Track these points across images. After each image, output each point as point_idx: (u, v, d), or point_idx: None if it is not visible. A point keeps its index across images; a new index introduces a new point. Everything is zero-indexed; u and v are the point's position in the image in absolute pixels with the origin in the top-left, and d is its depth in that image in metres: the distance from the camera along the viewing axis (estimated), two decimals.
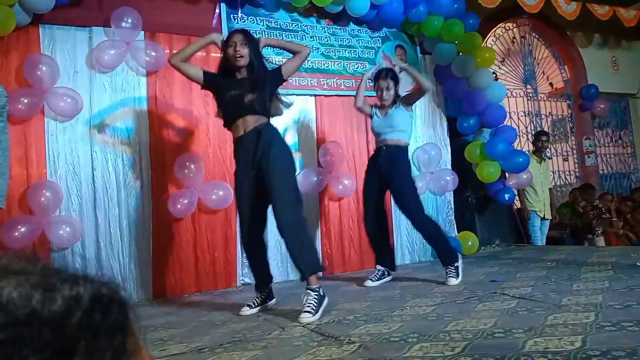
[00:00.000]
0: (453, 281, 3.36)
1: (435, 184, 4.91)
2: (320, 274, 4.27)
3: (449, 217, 5.09)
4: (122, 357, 0.44)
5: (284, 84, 3.18)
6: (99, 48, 3.68)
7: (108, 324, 0.43)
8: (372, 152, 4.05)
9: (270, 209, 2.85)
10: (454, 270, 3.43)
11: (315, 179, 4.37)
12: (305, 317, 2.56)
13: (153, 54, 3.83)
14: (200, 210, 3.92)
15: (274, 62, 4.34)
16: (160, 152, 3.86)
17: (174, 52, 3.32)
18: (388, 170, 3.55)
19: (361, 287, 3.58)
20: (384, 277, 3.71)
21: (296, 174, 3.01)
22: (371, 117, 3.74)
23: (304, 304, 2.64)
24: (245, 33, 2.99)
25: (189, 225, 3.92)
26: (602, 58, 7.38)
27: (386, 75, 3.64)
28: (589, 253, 4.27)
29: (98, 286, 0.44)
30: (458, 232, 5.04)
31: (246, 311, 2.92)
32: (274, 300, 3.11)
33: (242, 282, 4.07)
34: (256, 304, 2.98)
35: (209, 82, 3.02)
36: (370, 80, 3.86)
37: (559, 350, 1.71)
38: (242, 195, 2.93)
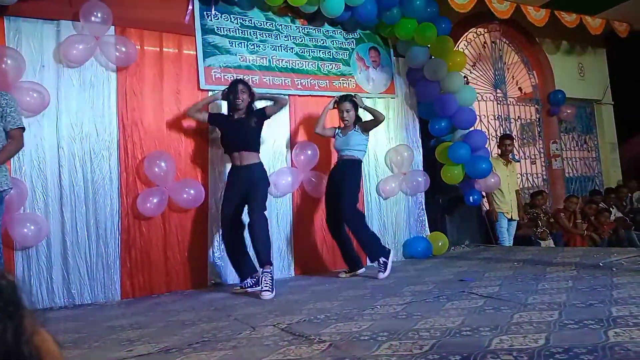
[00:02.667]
0: (381, 275, 3.83)
1: (407, 184, 4.97)
2: (293, 273, 4.32)
3: (421, 218, 5.15)
4: (21, 337, 0.47)
5: (256, 81, 3.93)
6: (67, 42, 3.59)
7: (2, 307, 0.46)
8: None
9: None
10: (382, 265, 3.88)
11: (288, 178, 4.37)
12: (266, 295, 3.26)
13: (123, 49, 3.76)
14: (170, 209, 3.87)
15: (247, 61, 4.34)
16: (129, 149, 3.79)
17: (190, 106, 3.93)
18: (340, 179, 4.05)
19: (332, 287, 3.59)
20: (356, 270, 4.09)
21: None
22: (334, 136, 4.25)
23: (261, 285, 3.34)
24: (244, 82, 3.78)
25: (159, 224, 3.86)
26: (569, 64, 7.59)
27: (346, 98, 4.15)
28: (554, 254, 4.39)
29: None
30: (429, 233, 5.11)
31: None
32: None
33: (213, 282, 4.03)
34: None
35: (212, 120, 3.90)
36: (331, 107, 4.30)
37: (524, 348, 1.75)
38: (229, 202, 3.67)
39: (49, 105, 3.53)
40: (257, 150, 3.73)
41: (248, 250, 3.70)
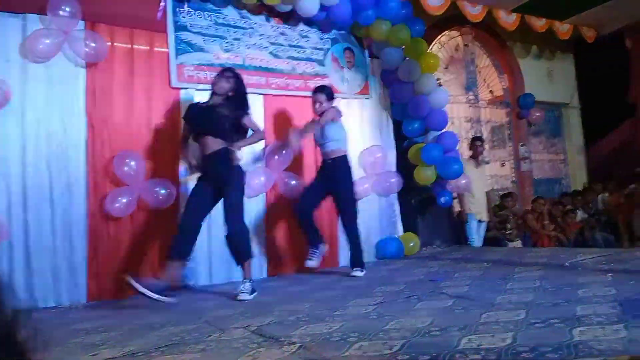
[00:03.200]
0: (359, 272, 3.94)
1: (380, 185, 5.00)
2: (265, 274, 4.30)
3: (393, 219, 5.18)
4: (9, 332, 0.49)
5: None
6: (34, 36, 3.49)
7: None
8: (319, 153, 4.31)
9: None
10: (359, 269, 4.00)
11: (262, 178, 4.34)
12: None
13: (93, 45, 3.67)
14: (140, 209, 3.79)
15: (221, 59, 4.29)
16: (98, 148, 3.70)
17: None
18: (335, 179, 4.03)
19: (304, 288, 3.58)
20: (320, 251, 4.03)
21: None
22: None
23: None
24: (234, 73, 3.58)
25: (128, 225, 3.78)
26: (538, 68, 7.77)
27: (318, 90, 4.08)
28: (522, 254, 4.47)
29: None
30: (401, 233, 5.15)
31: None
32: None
33: (184, 283, 3.96)
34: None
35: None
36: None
37: (491, 347, 1.77)
38: (198, 190, 3.43)
39: (14, 102, 3.41)
40: (229, 140, 3.42)
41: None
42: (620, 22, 7.17)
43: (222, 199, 3.35)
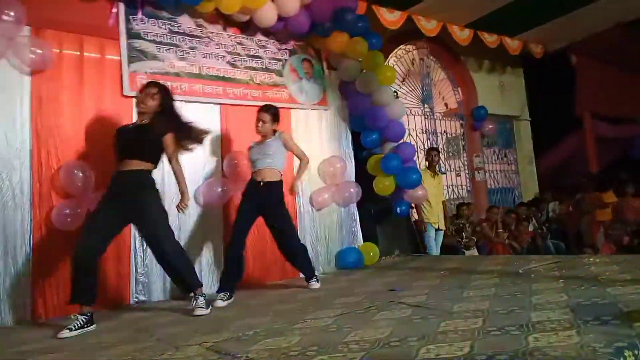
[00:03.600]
0: (316, 285, 3.90)
1: (340, 195, 4.99)
2: (214, 289, 4.17)
3: (353, 229, 5.19)
4: None
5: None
6: None
7: None
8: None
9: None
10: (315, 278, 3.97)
11: (219, 189, 4.25)
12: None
13: (39, 51, 3.51)
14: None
15: (175, 68, 4.19)
16: (44, 158, 3.53)
17: None
18: (269, 206, 3.83)
19: (263, 301, 3.52)
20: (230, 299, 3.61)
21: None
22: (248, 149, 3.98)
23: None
24: (160, 87, 3.31)
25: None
26: (490, 82, 8.04)
27: (264, 109, 3.89)
28: (478, 262, 4.56)
29: None
30: (361, 243, 5.16)
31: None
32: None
33: (136, 299, 3.82)
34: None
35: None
36: None
37: (450, 357, 1.77)
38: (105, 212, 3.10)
39: None
40: (150, 161, 3.19)
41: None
42: (566, 40, 7.53)
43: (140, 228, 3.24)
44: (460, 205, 6.46)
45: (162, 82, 3.92)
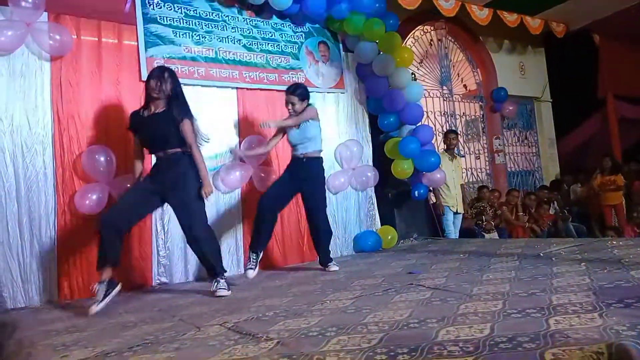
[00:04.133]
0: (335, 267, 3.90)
1: (357, 179, 4.98)
2: (242, 269, 4.23)
3: (371, 212, 5.18)
4: None
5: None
6: None
7: None
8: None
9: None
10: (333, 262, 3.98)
11: (237, 173, 4.27)
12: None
13: (58, 37, 3.53)
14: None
15: (192, 52, 4.20)
16: (65, 143, 3.58)
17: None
18: (307, 181, 3.89)
19: (282, 283, 3.55)
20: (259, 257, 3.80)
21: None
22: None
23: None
24: (168, 70, 3.30)
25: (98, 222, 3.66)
26: (511, 63, 7.88)
27: (289, 91, 3.90)
28: (497, 245, 4.52)
29: None
30: (379, 227, 5.15)
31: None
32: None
33: (158, 281, 3.88)
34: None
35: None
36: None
37: (470, 338, 1.77)
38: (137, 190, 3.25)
39: None
40: (180, 146, 3.22)
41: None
42: (589, 18, 7.32)
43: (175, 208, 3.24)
44: (481, 188, 6.39)
45: (178, 66, 3.99)
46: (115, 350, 2.08)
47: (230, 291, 3.23)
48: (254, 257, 3.74)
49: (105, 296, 2.91)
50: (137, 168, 3.40)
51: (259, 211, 3.83)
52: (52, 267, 3.48)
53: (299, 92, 3.88)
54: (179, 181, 3.17)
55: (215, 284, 3.24)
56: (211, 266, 3.29)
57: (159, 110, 3.23)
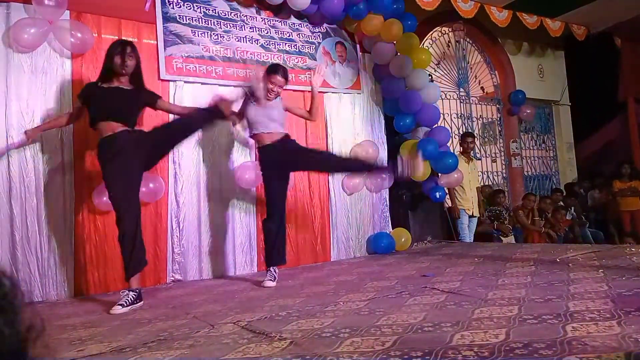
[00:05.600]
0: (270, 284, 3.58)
1: (371, 181, 4.97)
2: (256, 269, 4.25)
3: (385, 214, 5.16)
4: (26, 333, 0.47)
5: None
6: (18, 26, 3.40)
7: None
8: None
9: None
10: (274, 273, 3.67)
11: (252, 173, 4.28)
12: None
13: (79, 35, 3.58)
14: None
15: (210, 51, 4.22)
16: (84, 139, 3.62)
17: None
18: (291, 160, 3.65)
19: (295, 283, 3.55)
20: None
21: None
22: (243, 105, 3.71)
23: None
24: (133, 46, 3.22)
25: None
26: (529, 65, 7.79)
27: (280, 70, 3.65)
28: (513, 249, 4.47)
29: None
30: (392, 229, 5.13)
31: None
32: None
33: (172, 278, 3.91)
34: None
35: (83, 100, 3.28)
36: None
37: (484, 344, 1.75)
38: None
39: None
40: (133, 124, 3.18)
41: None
42: (610, 21, 7.20)
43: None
44: (496, 192, 6.34)
45: (196, 66, 4.02)
46: (130, 346, 2.10)
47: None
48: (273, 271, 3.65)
49: (131, 304, 2.94)
50: (59, 121, 3.35)
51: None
52: (69, 263, 3.53)
53: (284, 73, 3.65)
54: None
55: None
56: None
57: (123, 86, 3.18)
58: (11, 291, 0.47)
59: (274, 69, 3.64)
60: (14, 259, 3.35)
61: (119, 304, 2.90)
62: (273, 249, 3.58)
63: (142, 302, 3.02)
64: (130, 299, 2.95)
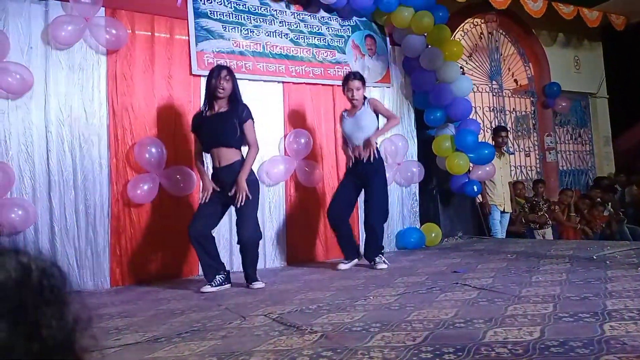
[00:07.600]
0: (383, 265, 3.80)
1: (401, 175, 4.93)
2: (285, 262, 4.28)
3: (414, 209, 5.12)
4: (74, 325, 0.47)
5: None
6: (56, 23, 3.49)
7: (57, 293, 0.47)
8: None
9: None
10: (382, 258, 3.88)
11: (281, 166, 4.31)
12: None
13: (114, 31, 3.66)
14: (161, 196, 3.80)
15: (240, 46, 4.25)
16: (120, 134, 3.71)
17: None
18: (368, 175, 3.84)
19: (324, 277, 3.56)
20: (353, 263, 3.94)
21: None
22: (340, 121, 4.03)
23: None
24: (229, 70, 3.35)
25: (149, 211, 3.80)
26: (565, 57, 7.56)
27: (355, 76, 3.88)
28: (547, 246, 4.37)
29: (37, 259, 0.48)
30: (422, 224, 5.09)
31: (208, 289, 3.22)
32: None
33: None
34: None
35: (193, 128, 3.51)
36: None
37: (519, 341, 1.72)
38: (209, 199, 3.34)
39: (37, 88, 3.44)
40: (239, 148, 3.33)
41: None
42: None
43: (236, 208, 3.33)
44: (536, 182, 6.21)
45: (227, 60, 4.06)
46: (165, 336, 2.15)
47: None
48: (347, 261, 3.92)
49: (220, 285, 3.27)
50: (201, 169, 3.49)
51: (330, 225, 4.03)
52: (105, 254, 3.63)
53: (360, 75, 3.92)
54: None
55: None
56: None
57: (222, 110, 3.31)
58: (60, 282, 0.47)
59: (345, 78, 3.92)
60: (54, 250, 3.47)
61: (208, 283, 3.23)
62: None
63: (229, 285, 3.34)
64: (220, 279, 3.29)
